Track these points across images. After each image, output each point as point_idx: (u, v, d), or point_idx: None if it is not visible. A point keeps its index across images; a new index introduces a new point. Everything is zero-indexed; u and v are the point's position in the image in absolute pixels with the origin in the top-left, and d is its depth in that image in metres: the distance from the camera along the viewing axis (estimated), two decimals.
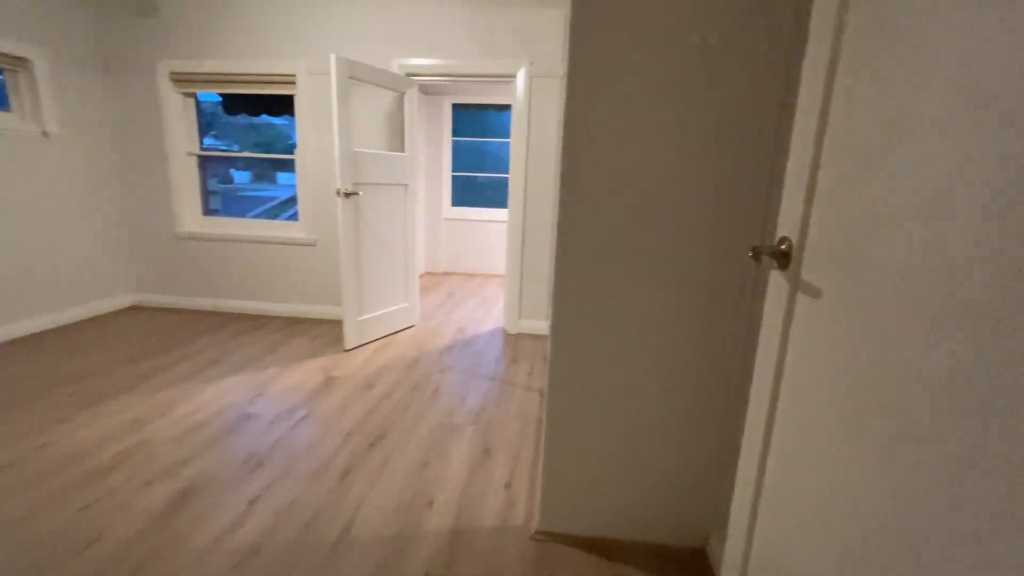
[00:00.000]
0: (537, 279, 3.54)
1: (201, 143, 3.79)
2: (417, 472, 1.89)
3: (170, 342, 3.14)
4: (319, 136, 3.49)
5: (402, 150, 3.37)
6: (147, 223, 3.77)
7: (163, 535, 1.51)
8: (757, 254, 0.93)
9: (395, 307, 3.46)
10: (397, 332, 3.52)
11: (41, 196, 3.18)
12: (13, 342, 3.01)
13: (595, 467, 1.50)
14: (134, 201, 3.74)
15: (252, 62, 3.41)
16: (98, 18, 3.45)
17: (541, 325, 3.61)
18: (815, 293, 0.81)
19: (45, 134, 3.15)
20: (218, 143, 4.73)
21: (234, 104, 4.06)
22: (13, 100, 3.06)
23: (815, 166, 0.83)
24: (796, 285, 0.87)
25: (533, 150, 3.35)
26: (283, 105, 3.81)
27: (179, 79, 3.51)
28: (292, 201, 5.20)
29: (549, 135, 3.31)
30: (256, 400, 2.40)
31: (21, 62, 3.02)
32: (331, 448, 2.02)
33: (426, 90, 5.32)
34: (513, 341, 3.45)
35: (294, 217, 3.75)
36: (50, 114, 3.16)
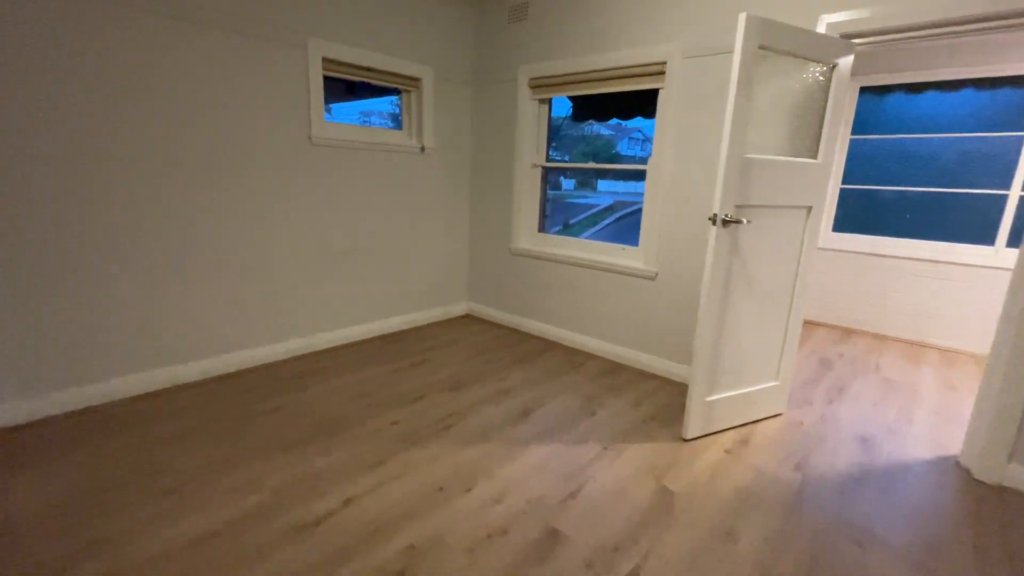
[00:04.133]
0: None
1: (548, 154, 3.51)
2: None
3: (488, 368, 2.88)
4: (682, 140, 2.66)
5: (812, 155, 2.20)
6: (487, 235, 3.73)
7: None
8: None
9: (760, 386, 2.35)
10: (756, 422, 2.40)
11: (417, 201, 3.39)
12: (380, 337, 3.28)
13: None
14: (479, 212, 3.75)
15: (611, 55, 2.83)
16: (476, 30, 3.50)
17: None
18: None
19: (423, 149, 3.33)
20: (552, 153, 4.63)
21: (584, 110, 3.65)
22: (404, 119, 3.33)
23: None
24: None
25: None
26: (637, 106, 3.14)
27: (536, 84, 3.25)
28: (609, 210, 4.72)
29: None
30: (568, 505, 1.74)
31: (414, 82, 3.23)
32: None
33: None
34: (993, 502, 1.86)
35: (612, 228, 3.07)
36: (428, 130, 3.32)
